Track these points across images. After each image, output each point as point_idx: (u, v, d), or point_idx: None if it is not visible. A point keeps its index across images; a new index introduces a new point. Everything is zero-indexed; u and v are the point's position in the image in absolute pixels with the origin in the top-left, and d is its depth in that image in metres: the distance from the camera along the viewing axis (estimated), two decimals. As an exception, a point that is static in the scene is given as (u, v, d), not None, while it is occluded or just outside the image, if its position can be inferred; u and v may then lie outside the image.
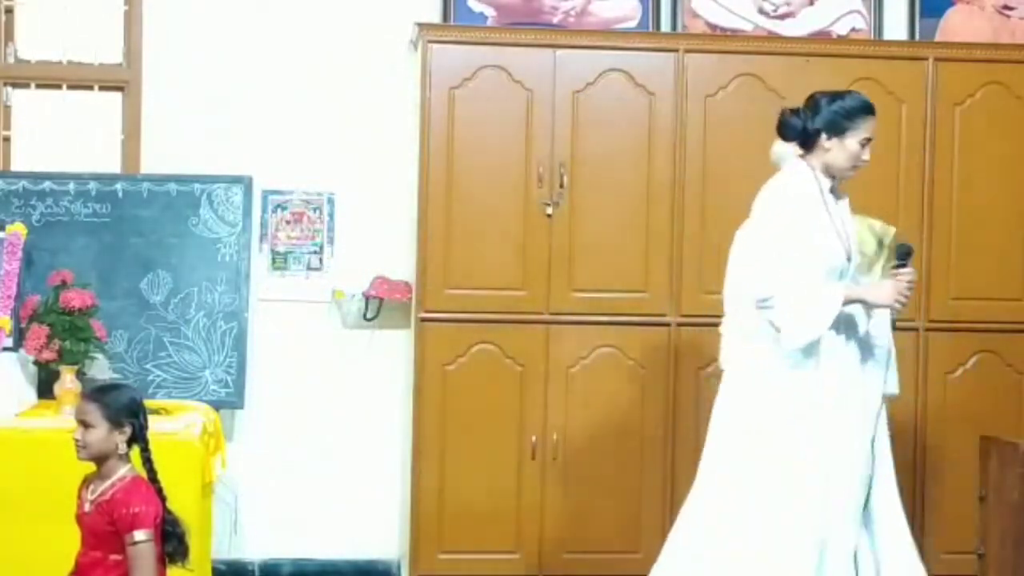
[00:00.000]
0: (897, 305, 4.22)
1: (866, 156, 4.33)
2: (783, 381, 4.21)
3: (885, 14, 6.10)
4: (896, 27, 6.12)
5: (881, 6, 6.09)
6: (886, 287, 4.25)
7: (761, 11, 6.03)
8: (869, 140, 4.32)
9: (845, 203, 4.40)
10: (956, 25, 6.11)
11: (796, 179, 4.30)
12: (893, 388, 4.40)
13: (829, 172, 4.33)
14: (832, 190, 4.35)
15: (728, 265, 4.55)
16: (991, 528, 4.57)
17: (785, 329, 4.14)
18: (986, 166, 5.65)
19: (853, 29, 6.06)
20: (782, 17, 6.03)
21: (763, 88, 5.63)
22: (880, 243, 4.53)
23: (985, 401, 5.61)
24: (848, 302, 4.20)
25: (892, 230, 4.59)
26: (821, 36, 6.00)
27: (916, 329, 5.58)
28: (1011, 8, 6.14)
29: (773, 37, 5.95)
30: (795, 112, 4.37)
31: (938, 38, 6.06)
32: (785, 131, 4.39)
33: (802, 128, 4.34)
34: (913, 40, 6.07)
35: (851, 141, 4.29)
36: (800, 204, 4.24)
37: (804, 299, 4.14)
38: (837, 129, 4.29)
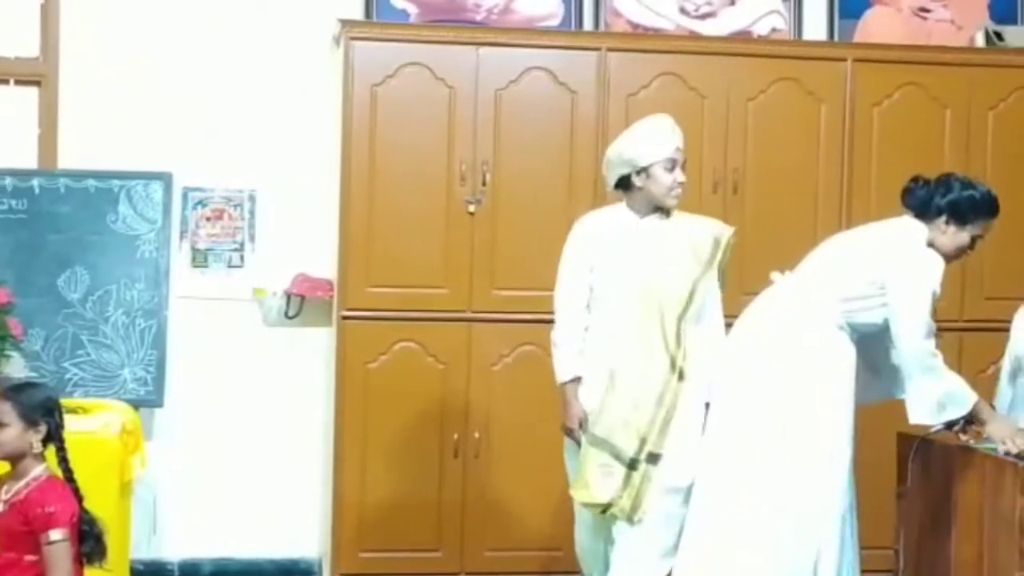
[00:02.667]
0: (1001, 446, 4.27)
1: (971, 252, 4.48)
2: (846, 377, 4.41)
3: (804, 14, 6.15)
4: (815, 28, 6.18)
5: (800, 7, 6.15)
6: (1006, 428, 4.31)
7: (683, 11, 6.07)
8: (981, 238, 4.44)
9: None
10: (874, 26, 6.19)
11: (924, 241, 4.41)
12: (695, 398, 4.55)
13: (931, 245, 4.41)
14: None
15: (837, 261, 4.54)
16: (908, 524, 4.62)
17: (922, 405, 4.32)
18: (903, 166, 5.68)
19: (773, 29, 6.12)
20: (703, 17, 6.07)
21: (684, 87, 5.67)
22: (716, 242, 4.57)
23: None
24: (974, 413, 4.34)
25: (729, 230, 4.63)
26: (742, 36, 6.05)
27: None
28: (928, 11, 6.22)
29: (694, 37, 5.99)
30: (925, 183, 4.45)
31: (856, 39, 6.13)
32: (908, 198, 4.49)
33: (926, 201, 4.42)
34: (832, 41, 6.14)
35: (965, 235, 4.41)
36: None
37: (950, 388, 4.31)
38: (960, 219, 4.38)
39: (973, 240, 4.44)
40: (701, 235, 4.54)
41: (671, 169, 4.46)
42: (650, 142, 4.46)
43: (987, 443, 4.35)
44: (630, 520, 4.35)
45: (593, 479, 4.37)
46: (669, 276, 4.44)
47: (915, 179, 4.52)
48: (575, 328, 4.50)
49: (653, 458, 4.34)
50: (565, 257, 4.59)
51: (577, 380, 4.50)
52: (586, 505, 4.43)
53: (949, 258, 4.43)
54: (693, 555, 4.38)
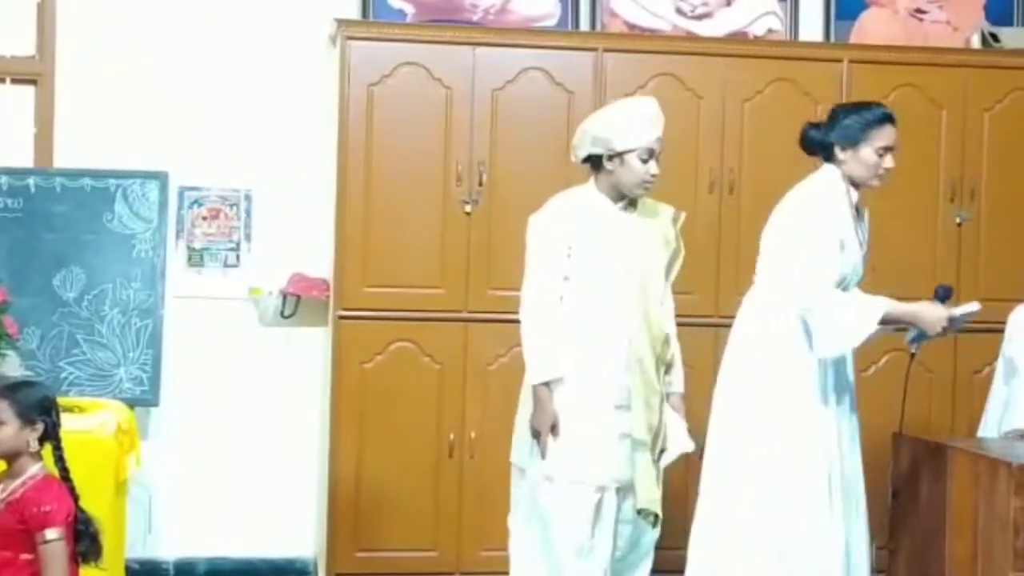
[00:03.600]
0: (934, 332, 4.27)
1: (888, 163, 4.37)
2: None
3: (801, 16, 6.15)
4: (811, 29, 6.18)
5: (797, 8, 6.15)
6: (937, 313, 4.27)
7: (679, 11, 6.07)
8: (889, 149, 4.35)
9: (866, 215, 4.50)
10: (870, 28, 6.19)
11: (831, 185, 4.36)
12: (679, 387, 4.48)
13: (852, 182, 4.37)
14: (857, 202, 4.42)
15: (764, 249, 4.52)
16: (902, 524, 4.63)
17: (821, 340, 4.22)
18: (898, 167, 5.71)
19: (769, 30, 6.11)
20: (700, 18, 6.07)
21: (681, 88, 5.67)
22: (675, 226, 4.44)
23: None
24: (889, 320, 4.24)
25: (682, 214, 4.50)
26: (738, 37, 6.05)
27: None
28: (924, 12, 6.23)
29: (691, 37, 5.99)
30: (816, 126, 4.44)
31: (852, 40, 6.13)
32: (805, 144, 4.47)
33: (821, 141, 4.40)
34: (828, 42, 6.14)
35: (866, 151, 4.33)
36: (837, 210, 4.32)
37: (844, 315, 4.21)
38: (850, 141, 4.34)
39: (882, 154, 4.38)
40: (666, 222, 4.46)
41: (647, 160, 4.27)
42: (631, 127, 4.27)
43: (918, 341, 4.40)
44: (655, 523, 4.32)
45: (655, 485, 4.26)
46: (657, 279, 4.39)
47: (805, 125, 4.50)
48: (553, 320, 4.28)
49: (662, 454, 4.32)
50: (540, 240, 4.36)
51: (558, 380, 4.32)
52: (651, 514, 4.28)
53: (869, 182, 4.40)
54: (699, 558, 4.39)
